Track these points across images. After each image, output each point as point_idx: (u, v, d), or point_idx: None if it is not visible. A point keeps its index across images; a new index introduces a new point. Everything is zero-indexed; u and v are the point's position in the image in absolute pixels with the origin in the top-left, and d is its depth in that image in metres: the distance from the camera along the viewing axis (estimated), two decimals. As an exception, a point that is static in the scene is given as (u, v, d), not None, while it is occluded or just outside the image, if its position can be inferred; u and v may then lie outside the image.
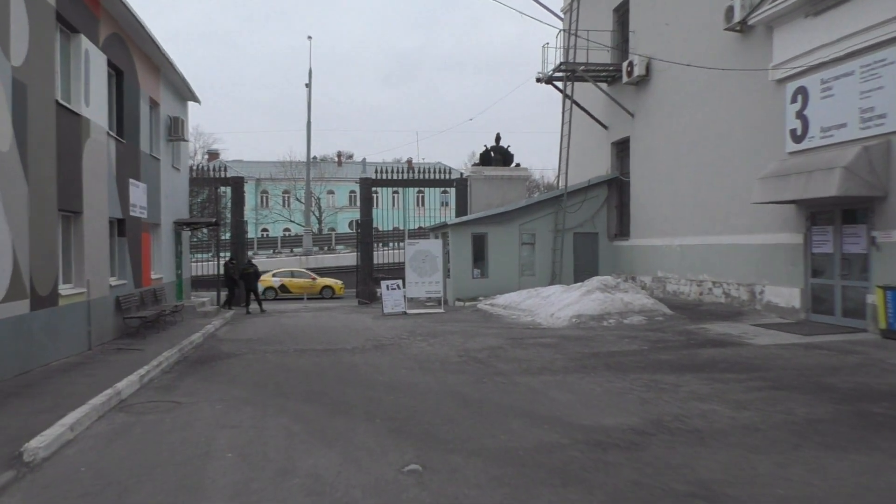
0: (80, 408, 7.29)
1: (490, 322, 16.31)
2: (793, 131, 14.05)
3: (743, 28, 15.59)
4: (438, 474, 5.31)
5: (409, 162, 71.81)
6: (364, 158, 74.00)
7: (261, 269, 22.82)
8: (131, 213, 14.44)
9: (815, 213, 13.65)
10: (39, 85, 9.95)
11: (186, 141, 19.16)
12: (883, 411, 6.81)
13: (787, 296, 14.24)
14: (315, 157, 64.57)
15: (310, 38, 47.36)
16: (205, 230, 29.77)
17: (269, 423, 7.04)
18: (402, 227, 48.34)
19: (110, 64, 13.32)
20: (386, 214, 43.18)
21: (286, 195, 64.98)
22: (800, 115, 13.87)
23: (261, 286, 30.97)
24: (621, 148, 22.80)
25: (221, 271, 24.42)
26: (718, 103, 16.76)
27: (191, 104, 21.25)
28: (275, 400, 8.20)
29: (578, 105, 22.66)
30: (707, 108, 17.29)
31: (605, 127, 23.19)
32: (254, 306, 21.92)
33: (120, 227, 13.98)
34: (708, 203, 17.23)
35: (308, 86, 44.16)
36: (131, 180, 14.45)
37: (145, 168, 15.68)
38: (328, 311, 21.63)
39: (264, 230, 62.77)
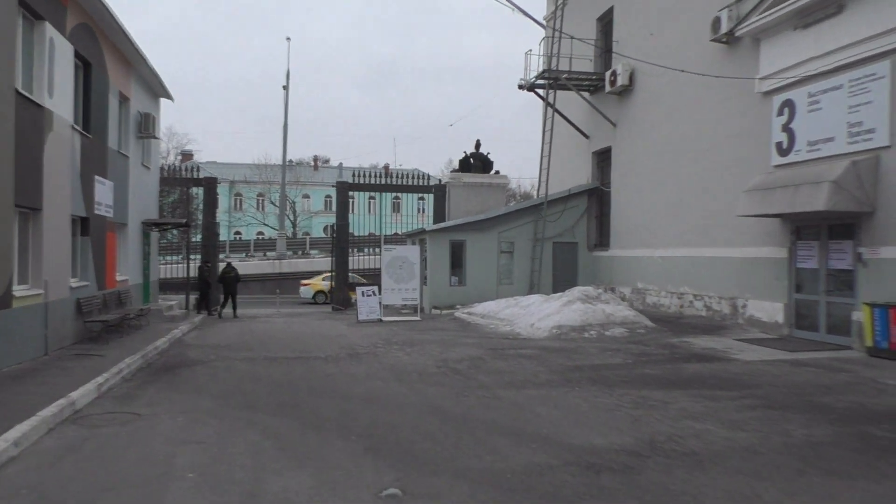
0: (28, 420, 6.70)
1: (468, 331, 15.89)
2: (779, 144, 13.91)
3: (729, 39, 15.47)
4: (420, 500, 4.87)
5: (386, 168, 71.14)
6: (341, 163, 73.41)
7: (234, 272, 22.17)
8: (96, 212, 13.78)
9: (801, 227, 13.50)
10: (-2, 72, 9.34)
11: (157, 139, 18.50)
12: (885, 434, 6.51)
13: (771, 310, 14.05)
14: (291, 161, 63.74)
15: (288, 39, 46.97)
16: (174, 231, 28.92)
17: (236, 439, 6.53)
18: (377, 233, 47.81)
19: (77, 55, 12.68)
20: (362, 220, 42.48)
21: (260, 198, 64.00)
22: (786, 128, 13.73)
23: (311, 290, 30.35)
24: (602, 158, 22.60)
25: (192, 274, 23.71)
26: (703, 115, 16.60)
27: (164, 102, 20.57)
28: (242, 412, 7.68)
29: (560, 113, 22.44)
30: (691, 120, 17.13)
31: (586, 136, 22.98)
32: (227, 311, 21.27)
33: (83, 225, 13.31)
34: (690, 214, 17.05)
35: (286, 88, 43.55)
36: (97, 177, 13.79)
37: (113, 165, 15.01)
38: (301, 318, 21.03)
39: (237, 233, 61.72)
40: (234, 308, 21.35)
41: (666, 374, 9.82)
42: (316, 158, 76.53)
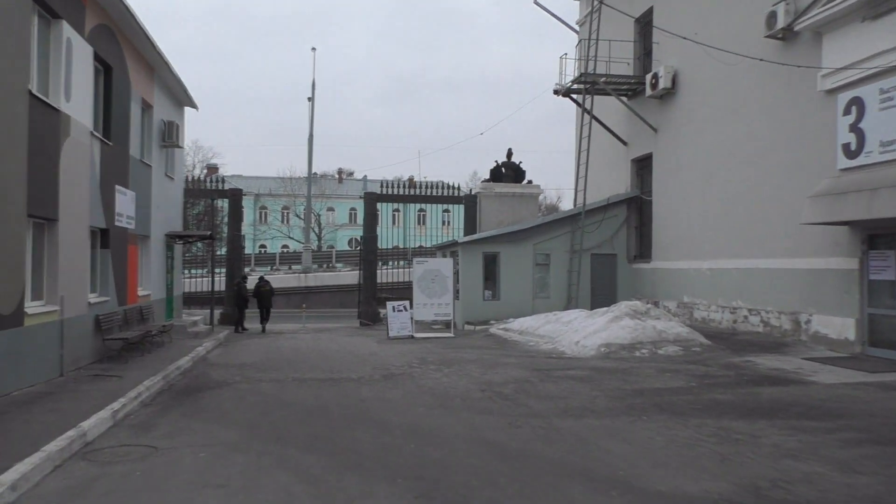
0: (30, 457, 5.89)
1: (507, 349, 14.92)
2: (846, 146, 12.80)
3: (786, 35, 14.43)
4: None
5: (411, 179, 70.62)
6: (365, 175, 72.95)
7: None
8: (117, 223, 13.10)
9: (874, 235, 12.35)
10: (8, 71, 8.67)
11: (181, 147, 17.89)
12: None
13: (839, 326, 12.89)
14: (315, 174, 63.46)
15: (313, 49, 46.20)
16: (199, 244, 28.37)
17: (264, 481, 5.65)
18: (402, 246, 47.08)
19: (97, 58, 12.06)
20: (386, 233, 41.82)
21: (285, 211, 63.76)
22: (854, 127, 12.62)
23: None
24: (642, 165, 21.57)
25: (218, 288, 23.09)
26: (756, 117, 15.54)
27: (188, 112, 20.03)
28: (271, 446, 6.80)
29: (597, 119, 21.46)
30: (742, 123, 16.07)
31: (624, 143, 21.97)
32: (255, 326, 20.62)
33: (103, 237, 12.63)
34: (743, 224, 15.94)
35: (311, 99, 43.07)
36: (118, 187, 13.13)
37: (135, 174, 14.37)
38: (328, 333, 20.21)
39: (262, 246, 61.46)
40: (265, 322, 20.74)
41: (740, 401, 8.76)
42: (340, 171, 76.27)
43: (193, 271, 29.84)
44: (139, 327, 14.04)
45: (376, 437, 7.14)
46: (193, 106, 19.45)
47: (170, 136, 16.58)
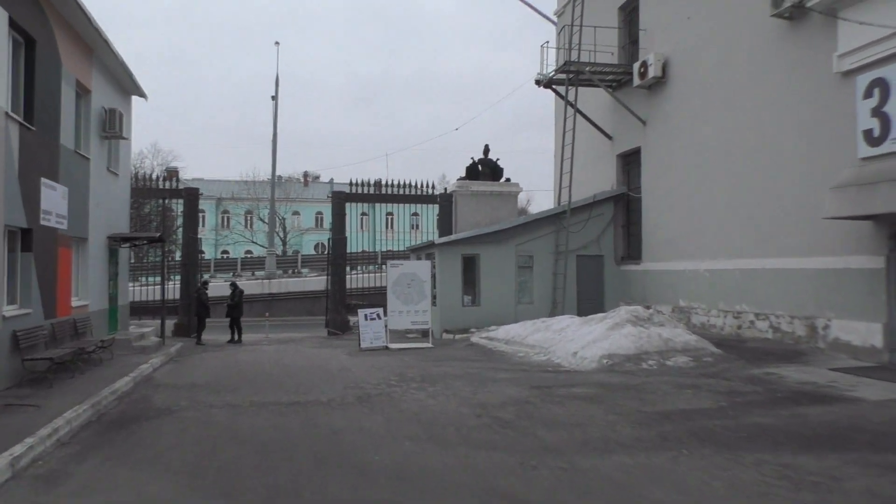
0: None
1: (495, 361, 13.39)
2: (868, 132, 11.57)
3: (794, 14, 13.22)
4: None
5: (379, 182, 68.98)
6: (332, 178, 70.76)
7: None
8: (43, 223, 11.22)
9: (904, 230, 11.15)
10: None
11: (125, 139, 15.91)
12: None
13: (864, 332, 11.65)
14: (280, 177, 61.24)
15: (277, 43, 44.27)
16: (149, 248, 26.15)
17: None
18: (370, 250, 45.34)
19: (15, 26, 10.21)
20: (353, 237, 40.03)
21: (249, 216, 61.39)
22: (878, 112, 11.40)
23: None
24: (629, 160, 20.30)
25: (172, 296, 21.16)
26: (761, 103, 14.31)
27: (137, 101, 18.09)
28: (216, 507, 5.15)
29: (581, 113, 20.11)
30: (744, 111, 14.84)
31: (609, 137, 20.68)
32: (210, 337, 18.79)
33: (24, 239, 10.75)
34: (745, 221, 14.70)
35: (275, 98, 41.01)
36: (44, 180, 11.25)
37: (67, 167, 12.49)
38: (294, 345, 18.44)
39: (224, 252, 59.03)
40: (240, 334, 19.07)
41: (788, 426, 7.34)
42: (306, 174, 73.90)
43: (148, 279, 27.77)
44: (71, 343, 12.14)
45: (357, 489, 5.53)
46: (141, 94, 17.53)
47: (112, 125, 14.67)
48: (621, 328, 12.46)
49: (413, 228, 49.88)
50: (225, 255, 56.59)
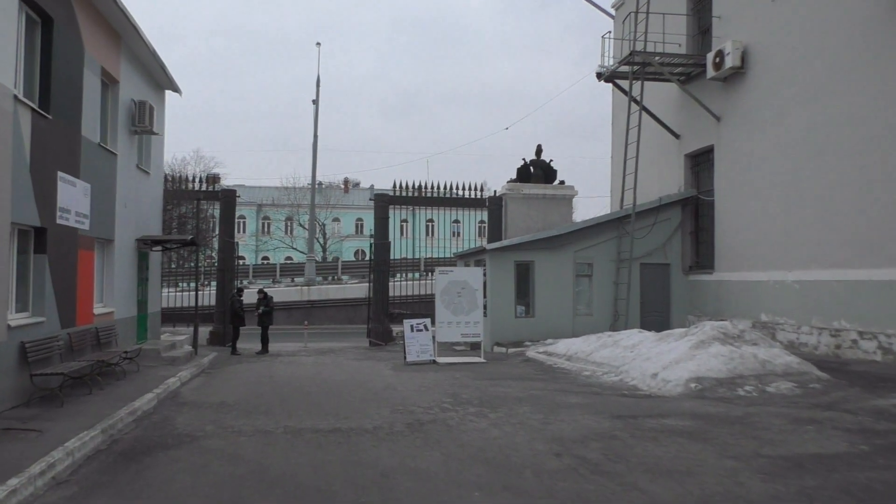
0: None
1: (558, 381, 11.85)
2: None
3: (910, -14, 11.45)
4: None
5: (422, 186, 67.90)
6: (372, 185, 70.03)
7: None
8: (60, 221, 10.12)
9: None
10: None
11: (156, 134, 14.85)
12: None
13: None
14: (320, 183, 60.61)
15: (318, 44, 43.31)
16: (184, 252, 25.16)
17: None
18: (410, 257, 44.00)
19: (28, 1, 9.14)
20: (393, 244, 38.92)
21: (289, 222, 60.87)
22: None
23: None
24: (698, 161, 18.57)
25: (207, 302, 20.16)
26: (866, 94, 12.54)
27: (171, 97, 17.11)
28: None
29: (647, 110, 18.47)
30: (843, 103, 13.06)
31: (676, 136, 18.98)
32: (246, 346, 17.71)
33: (38, 239, 9.65)
34: (846, 226, 12.90)
35: (315, 102, 40.21)
36: (61, 174, 10.15)
37: (90, 162, 11.42)
38: (333, 356, 17.16)
39: (265, 258, 58.50)
40: (267, 344, 17.90)
41: (971, 482, 5.66)
42: (346, 181, 73.27)
43: (184, 285, 26.92)
44: (92, 355, 11.01)
45: (417, 571, 4.09)
46: (175, 89, 16.54)
47: (142, 119, 13.63)
48: (708, 347, 10.79)
49: (455, 236, 48.51)
50: (265, 262, 56.02)
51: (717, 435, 7.43)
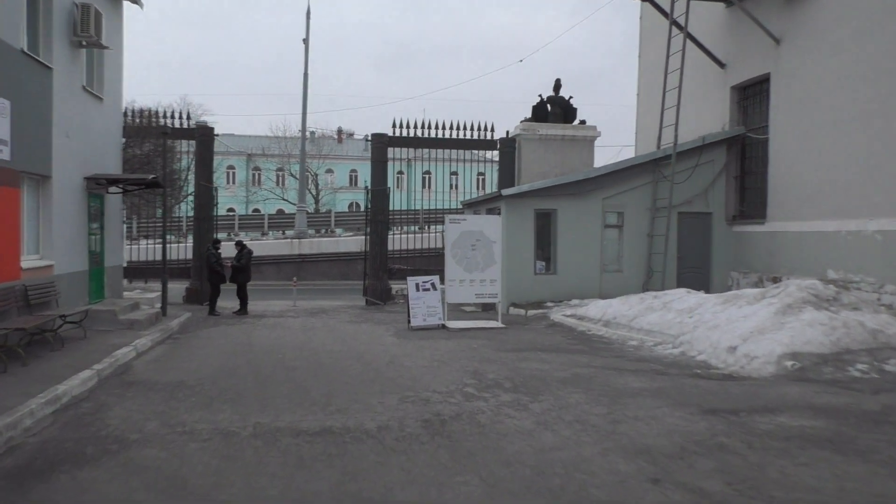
0: None
1: (601, 353, 9.61)
2: None
3: None
4: None
5: (426, 125, 64.88)
6: (367, 134, 67.09)
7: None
8: (-39, 146, 7.65)
9: None
10: None
11: (106, 48, 12.15)
12: None
13: None
14: (313, 132, 57.62)
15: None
16: (154, 198, 22.30)
17: None
18: (408, 210, 41.54)
19: None
20: (390, 195, 36.40)
21: (280, 173, 58.05)
22: None
23: None
24: (747, 93, 16.04)
25: (180, 256, 17.82)
26: None
27: (130, 8, 14.33)
28: None
29: (691, 36, 15.82)
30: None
31: (721, 65, 16.39)
32: (222, 306, 15.42)
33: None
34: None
35: (305, 41, 37.04)
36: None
37: (9, 73, 8.86)
38: (326, 317, 14.89)
39: (256, 210, 55.87)
40: (246, 303, 15.57)
41: None
42: (340, 131, 70.08)
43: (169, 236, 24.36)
44: (16, 320, 8.67)
45: None
46: (136, 1, 13.78)
47: (86, 27, 10.96)
48: (799, 313, 8.52)
49: (452, 188, 45.95)
50: (254, 213, 53.48)
51: (870, 443, 5.19)
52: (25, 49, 9.45)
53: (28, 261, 9.66)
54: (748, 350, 8.11)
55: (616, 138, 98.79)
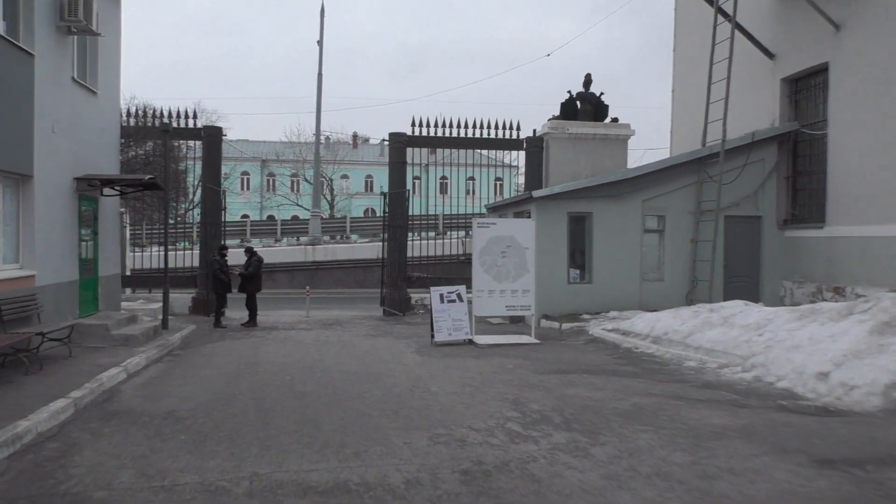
0: None
1: (656, 376, 8.30)
2: None
3: None
4: None
5: (447, 124, 63.72)
6: (383, 139, 65.94)
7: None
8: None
9: None
10: None
11: (99, 35, 11.01)
12: None
13: None
14: (327, 137, 56.74)
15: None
16: (157, 202, 21.10)
17: None
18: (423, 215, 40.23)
19: None
20: (410, 201, 35.03)
21: (294, 178, 57.16)
22: None
23: None
24: (800, 86, 14.70)
25: (181, 264, 16.71)
26: None
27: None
28: None
29: (740, 27, 14.49)
30: None
31: (770, 55, 15.05)
32: (226, 317, 14.28)
33: None
34: None
35: (320, 43, 36.07)
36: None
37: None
38: (340, 330, 13.69)
39: (270, 216, 54.97)
40: (252, 315, 14.38)
41: None
42: (355, 136, 69.11)
43: (182, 243, 23.29)
44: (-13, 339, 7.53)
45: None
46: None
47: (73, 10, 9.86)
48: (899, 332, 7.17)
49: (469, 194, 44.66)
50: (267, 219, 52.56)
51: None
52: (3, 33, 8.35)
53: (3, 271, 8.53)
54: (844, 378, 6.78)
55: (639, 141, 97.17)
